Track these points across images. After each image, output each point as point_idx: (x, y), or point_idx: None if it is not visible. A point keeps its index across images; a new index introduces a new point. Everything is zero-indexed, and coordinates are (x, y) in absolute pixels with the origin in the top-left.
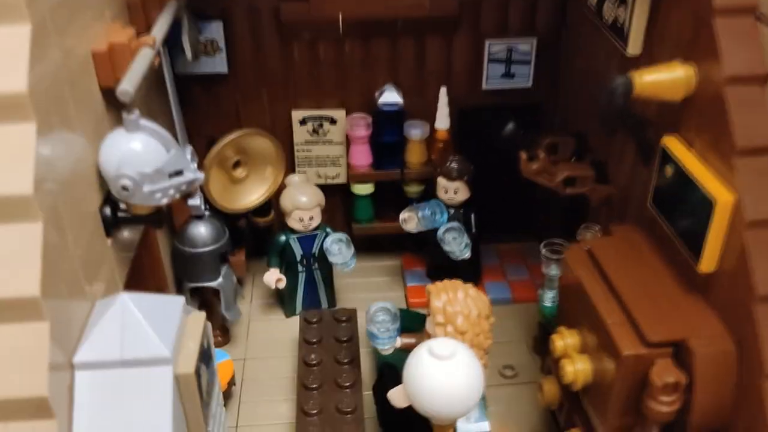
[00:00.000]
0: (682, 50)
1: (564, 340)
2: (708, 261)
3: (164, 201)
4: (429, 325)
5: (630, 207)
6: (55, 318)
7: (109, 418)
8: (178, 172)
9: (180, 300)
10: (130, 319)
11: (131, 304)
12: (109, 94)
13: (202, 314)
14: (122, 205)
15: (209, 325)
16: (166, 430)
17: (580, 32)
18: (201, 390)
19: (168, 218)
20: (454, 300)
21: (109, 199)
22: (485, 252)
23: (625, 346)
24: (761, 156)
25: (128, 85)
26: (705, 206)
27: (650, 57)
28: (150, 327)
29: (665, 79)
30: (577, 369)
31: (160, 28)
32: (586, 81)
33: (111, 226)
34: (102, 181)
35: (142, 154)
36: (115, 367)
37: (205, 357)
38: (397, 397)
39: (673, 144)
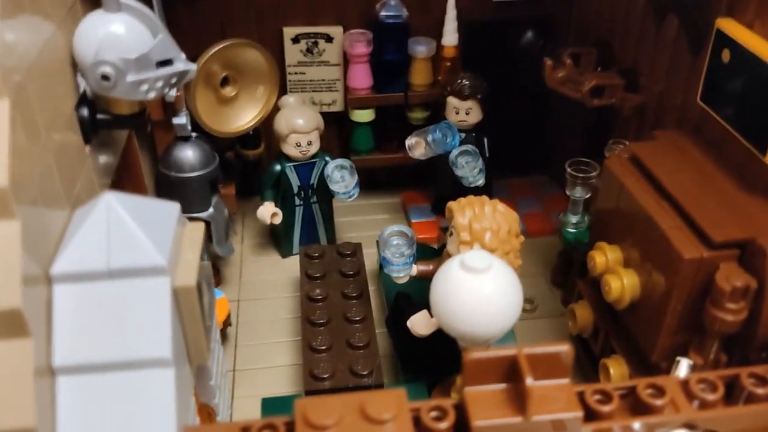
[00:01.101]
0: None
1: (604, 255)
2: None
3: (151, 95)
4: (452, 246)
5: (667, 115)
6: (26, 223)
7: (94, 338)
8: (167, 62)
9: (175, 206)
10: (116, 223)
11: (118, 206)
12: None
13: (200, 225)
14: (101, 105)
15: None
16: (165, 351)
17: None
18: (203, 309)
19: (150, 139)
20: (481, 215)
21: (85, 99)
22: (496, 187)
23: (686, 250)
24: None
25: None
26: None
27: None
28: (141, 232)
29: None
30: (625, 284)
31: None
32: None
33: (89, 129)
34: (77, 78)
35: (124, 38)
36: (101, 278)
37: (204, 275)
38: (418, 323)
39: (730, 27)
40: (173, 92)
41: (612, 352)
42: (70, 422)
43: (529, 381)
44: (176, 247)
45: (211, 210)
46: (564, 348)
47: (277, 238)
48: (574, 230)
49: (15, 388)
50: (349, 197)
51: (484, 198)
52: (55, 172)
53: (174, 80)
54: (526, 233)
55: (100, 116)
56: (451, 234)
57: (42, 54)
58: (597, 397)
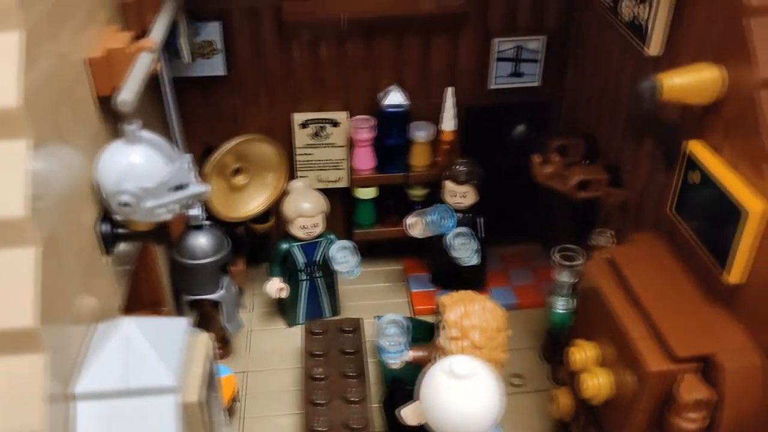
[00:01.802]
0: (709, 51)
1: (583, 352)
2: (736, 272)
3: (167, 216)
4: (442, 339)
5: (646, 212)
6: (51, 347)
7: None
8: (182, 186)
9: (184, 322)
10: (134, 346)
11: (136, 330)
12: (105, 104)
13: (206, 336)
14: (120, 220)
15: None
16: None
17: (590, 30)
18: (210, 416)
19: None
20: (471, 313)
21: (106, 215)
22: (489, 257)
23: (651, 362)
24: None
25: (128, 94)
26: (734, 216)
27: (671, 58)
28: (155, 354)
29: (694, 81)
30: (600, 383)
31: (158, 31)
32: (596, 80)
33: (110, 243)
34: (97, 196)
35: (143, 168)
36: (119, 396)
37: (210, 381)
38: (409, 415)
39: (699, 149)
40: None
41: None
42: None
43: None
44: (185, 363)
45: (222, 291)
46: None
47: (283, 308)
48: (562, 311)
49: None
50: (351, 276)
51: (473, 295)
52: (80, 293)
53: (188, 202)
54: (518, 305)
55: (120, 231)
56: (443, 327)
57: (70, 186)
58: None
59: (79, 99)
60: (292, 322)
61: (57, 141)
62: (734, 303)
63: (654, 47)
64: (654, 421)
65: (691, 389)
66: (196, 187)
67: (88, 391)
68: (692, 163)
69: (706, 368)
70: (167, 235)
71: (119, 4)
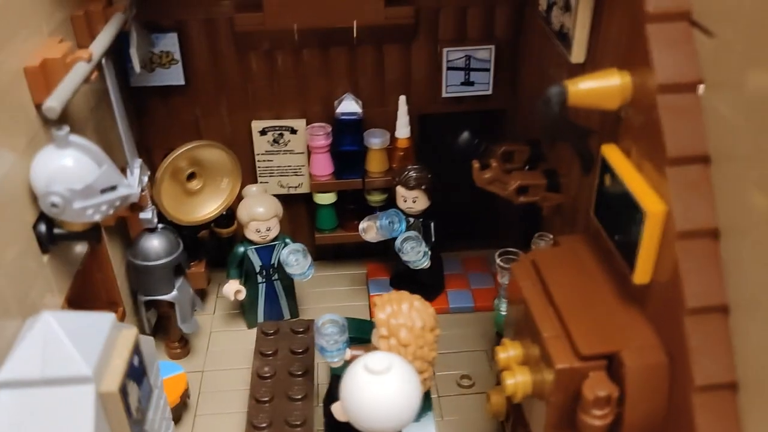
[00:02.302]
0: (619, 58)
1: (507, 352)
2: (641, 272)
3: (97, 217)
4: (374, 338)
5: (579, 216)
6: None
7: None
8: (112, 188)
9: (110, 317)
10: (52, 337)
11: (54, 322)
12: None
13: (134, 330)
14: (56, 221)
15: (150, 340)
16: None
17: (534, 39)
18: (129, 408)
19: (123, 231)
20: (398, 312)
21: (44, 215)
22: (449, 261)
23: (559, 359)
24: (692, 165)
25: (54, 101)
26: (638, 216)
27: (594, 65)
28: (72, 345)
29: (600, 87)
30: (517, 381)
31: (100, 42)
32: (540, 88)
33: (47, 242)
34: (36, 201)
35: (71, 171)
36: (36, 386)
37: (135, 374)
38: (338, 411)
39: (611, 153)
40: (137, 191)
41: None
42: None
43: None
44: (105, 355)
45: (175, 292)
46: None
47: (244, 311)
48: (505, 314)
49: None
50: (305, 278)
51: (404, 294)
52: (7, 286)
53: (117, 203)
54: (475, 308)
55: (56, 231)
56: (375, 329)
57: (5, 186)
58: None
59: (17, 105)
60: (252, 324)
61: None
62: (643, 303)
63: (576, 55)
64: (567, 420)
65: (594, 386)
66: (125, 189)
67: (7, 379)
68: (606, 167)
69: (612, 366)
70: (99, 235)
71: (67, 17)
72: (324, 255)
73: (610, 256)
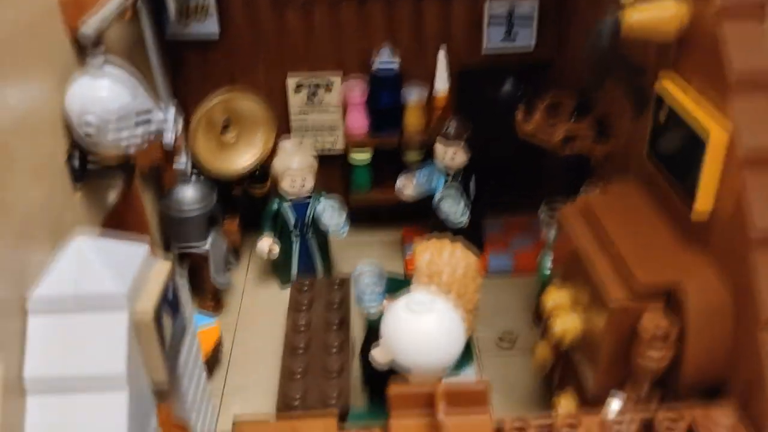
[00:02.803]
0: None
1: (554, 297)
2: (702, 204)
3: (131, 148)
4: (414, 285)
5: (631, 163)
6: (5, 252)
7: (62, 360)
8: (146, 118)
9: (143, 247)
10: (85, 260)
11: (88, 245)
12: (80, 41)
13: (168, 263)
14: (89, 155)
15: (184, 282)
16: (120, 372)
17: None
18: (162, 337)
19: (156, 182)
20: (439, 258)
21: (77, 149)
22: (491, 224)
23: (613, 296)
24: (757, 89)
25: (89, 27)
26: (699, 145)
27: None
28: (106, 268)
29: (656, 16)
30: (566, 324)
31: None
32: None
33: (79, 177)
34: (70, 133)
35: (105, 99)
36: (69, 309)
37: (169, 305)
38: (378, 355)
39: (668, 87)
40: (170, 139)
41: (567, 387)
42: None
43: (440, 415)
44: (139, 283)
45: (208, 243)
46: (481, 385)
47: (277, 269)
48: (550, 276)
49: None
50: (339, 233)
51: (445, 241)
52: (39, 214)
53: (151, 134)
54: (516, 271)
55: (90, 166)
56: (416, 274)
57: (32, 109)
58: (516, 429)
59: (51, 36)
60: (285, 283)
61: (16, 73)
62: (704, 240)
63: None
64: (621, 361)
65: (652, 322)
66: (159, 120)
67: (39, 301)
68: (661, 102)
69: (671, 302)
70: (132, 172)
71: None
72: (358, 218)
73: (666, 199)
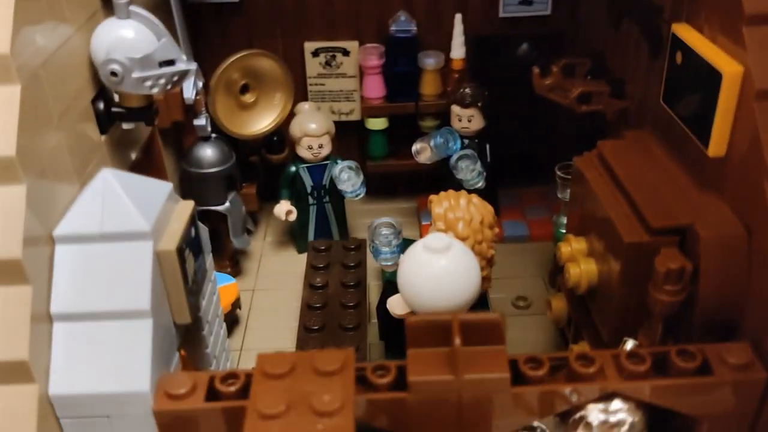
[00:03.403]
0: None
1: (570, 246)
2: (717, 142)
3: (155, 90)
4: (431, 232)
5: (645, 118)
6: (33, 189)
7: (88, 290)
8: (169, 62)
9: (167, 185)
10: (111, 194)
11: (113, 180)
12: None
13: (191, 203)
14: (116, 99)
15: (205, 229)
16: (144, 303)
17: None
18: (185, 273)
19: (177, 141)
20: (456, 207)
21: (103, 94)
22: (506, 196)
23: (627, 235)
24: None
25: None
26: (713, 82)
27: None
28: (131, 202)
29: None
30: (582, 270)
31: None
32: (601, 2)
33: (104, 120)
34: (96, 76)
35: (131, 40)
36: (95, 240)
37: (192, 243)
38: (395, 304)
39: (683, 30)
40: (191, 94)
41: (581, 339)
42: (61, 362)
43: (457, 343)
44: (163, 218)
45: (227, 204)
46: (495, 316)
47: (294, 235)
48: (565, 231)
49: (12, 327)
50: (356, 196)
51: (462, 191)
52: (66, 153)
53: (175, 78)
54: (531, 237)
55: (114, 109)
56: (432, 224)
57: (59, 51)
58: (530, 364)
59: None
60: (302, 248)
61: (47, 14)
62: (719, 181)
63: None
64: (635, 304)
65: (666, 259)
66: (183, 64)
67: (66, 234)
68: (677, 44)
69: (686, 241)
70: (154, 116)
71: None
72: (374, 186)
73: (681, 142)
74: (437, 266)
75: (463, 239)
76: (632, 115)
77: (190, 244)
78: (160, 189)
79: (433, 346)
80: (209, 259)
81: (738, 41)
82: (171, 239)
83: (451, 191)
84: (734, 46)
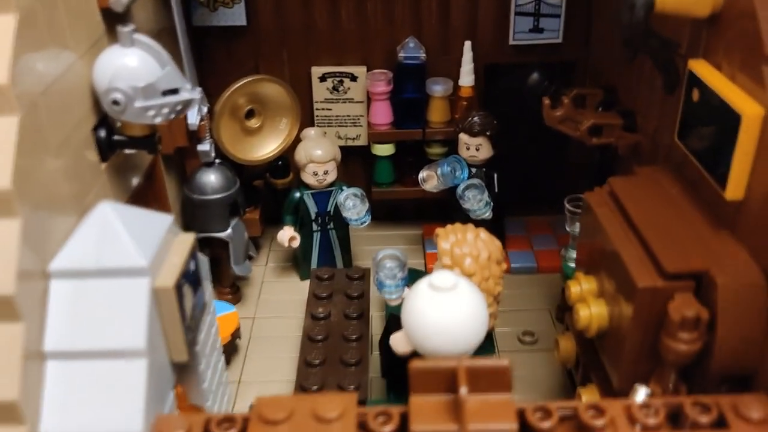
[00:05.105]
0: None
1: (580, 285)
2: (735, 185)
3: (158, 119)
4: (436, 270)
5: (659, 153)
6: (28, 222)
7: (82, 327)
8: (173, 91)
9: (168, 218)
10: (108, 228)
11: (111, 212)
12: (110, 14)
13: (191, 235)
14: (118, 127)
15: (204, 260)
16: (139, 342)
17: None
18: (183, 309)
19: (180, 167)
20: (463, 241)
21: (105, 122)
22: (512, 224)
23: (640, 278)
24: None
25: None
26: (732, 123)
27: None
28: (129, 237)
29: None
30: (592, 312)
31: None
32: (615, 32)
33: (105, 148)
34: (98, 104)
35: (135, 69)
36: (91, 276)
37: (190, 278)
38: (398, 342)
39: (700, 67)
40: (195, 120)
41: (589, 382)
42: (53, 402)
43: (463, 392)
44: (162, 252)
45: (229, 231)
46: (503, 363)
47: (297, 262)
48: (574, 264)
49: (3, 366)
50: (361, 224)
51: (469, 225)
52: (64, 183)
53: (179, 107)
54: (538, 269)
55: (116, 137)
56: (438, 259)
57: (60, 79)
58: (538, 414)
59: (81, 5)
60: (304, 275)
61: (50, 37)
62: (736, 224)
63: None
64: (648, 350)
65: (682, 306)
66: (187, 93)
67: (62, 268)
68: (694, 81)
69: (702, 287)
70: (156, 144)
71: None
72: (380, 212)
73: (696, 182)
74: (444, 309)
75: (470, 275)
76: (645, 150)
77: (189, 278)
78: (160, 222)
79: (437, 392)
80: (209, 291)
81: (758, 80)
82: (169, 275)
83: (458, 225)
84: (754, 85)
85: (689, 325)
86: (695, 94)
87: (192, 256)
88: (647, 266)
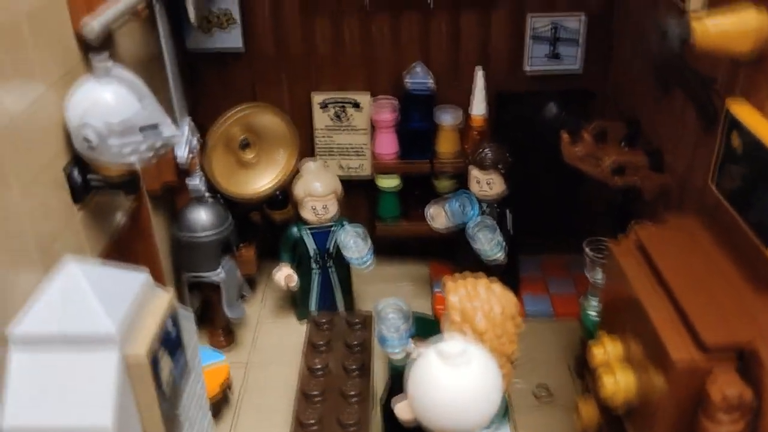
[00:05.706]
0: None
1: (604, 348)
2: None
3: (133, 159)
4: (444, 326)
5: (689, 197)
6: None
7: (42, 402)
8: (153, 126)
9: (143, 275)
10: (75, 289)
11: (79, 272)
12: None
13: (169, 294)
14: (91, 168)
15: (189, 315)
16: (105, 420)
17: (636, 6)
18: (159, 380)
19: (169, 205)
20: (474, 295)
21: (79, 160)
22: (526, 263)
23: (676, 351)
24: None
25: (96, 21)
26: None
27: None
28: (96, 299)
29: (733, 24)
30: (618, 381)
31: None
32: (642, 61)
33: (79, 191)
34: (70, 140)
35: (109, 104)
36: (54, 342)
37: (168, 343)
38: (403, 410)
39: (741, 108)
40: (184, 153)
41: None
42: None
43: None
44: (134, 315)
45: (221, 271)
46: None
47: (296, 302)
48: (595, 315)
49: None
50: (363, 264)
51: (481, 276)
52: (28, 230)
53: (159, 146)
54: (555, 315)
55: (91, 177)
56: (444, 314)
57: (23, 115)
58: None
59: (53, 30)
60: (302, 317)
61: (13, 69)
62: None
63: (695, 2)
64: (684, 429)
65: (724, 384)
66: (168, 130)
67: (21, 334)
68: (734, 124)
69: (745, 361)
70: (137, 186)
71: None
72: (384, 249)
73: (734, 235)
74: (453, 383)
75: (481, 333)
76: (673, 193)
77: (166, 343)
78: (133, 282)
79: None
80: (192, 350)
81: None
82: (142, 341)
83: (469, 278)
84: None
85: (732, 406)
86: (735, 139)
87: (169, 318)
88: (683, 335)
